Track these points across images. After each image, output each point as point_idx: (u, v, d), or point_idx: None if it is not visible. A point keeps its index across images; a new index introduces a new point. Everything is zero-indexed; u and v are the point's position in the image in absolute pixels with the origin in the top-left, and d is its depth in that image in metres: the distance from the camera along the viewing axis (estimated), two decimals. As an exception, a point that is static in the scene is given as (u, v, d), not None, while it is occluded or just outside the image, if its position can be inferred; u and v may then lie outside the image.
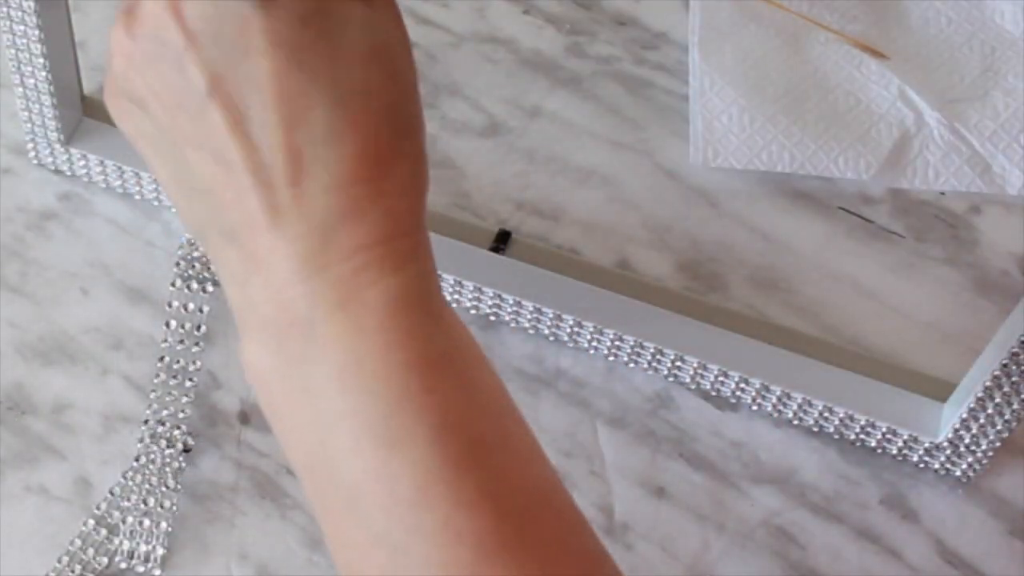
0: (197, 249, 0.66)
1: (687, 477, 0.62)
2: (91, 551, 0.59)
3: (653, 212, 0.70)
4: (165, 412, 0.62)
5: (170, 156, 0.46)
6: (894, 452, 0.63)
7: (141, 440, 0.61)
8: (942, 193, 0.71)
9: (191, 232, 0.47)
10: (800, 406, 0.62)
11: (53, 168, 0.70)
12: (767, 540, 0.61)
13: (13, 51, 0.64)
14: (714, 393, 0.64)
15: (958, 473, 0.62)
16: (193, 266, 0.65)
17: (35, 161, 0.70)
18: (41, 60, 0.64)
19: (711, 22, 0.76)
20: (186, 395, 0.62)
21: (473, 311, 0.66)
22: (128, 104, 0.46)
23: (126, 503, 0.60)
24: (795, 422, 0.63)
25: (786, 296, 0.68)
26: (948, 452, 0.61)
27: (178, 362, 0.62)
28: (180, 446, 0.61)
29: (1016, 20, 0.76)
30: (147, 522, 0.59)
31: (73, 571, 0.59)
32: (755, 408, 0.64)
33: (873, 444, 0.63)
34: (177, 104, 0.44)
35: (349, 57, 0.43)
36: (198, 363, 0.63)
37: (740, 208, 0.70)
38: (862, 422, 0.61)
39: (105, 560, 0.59)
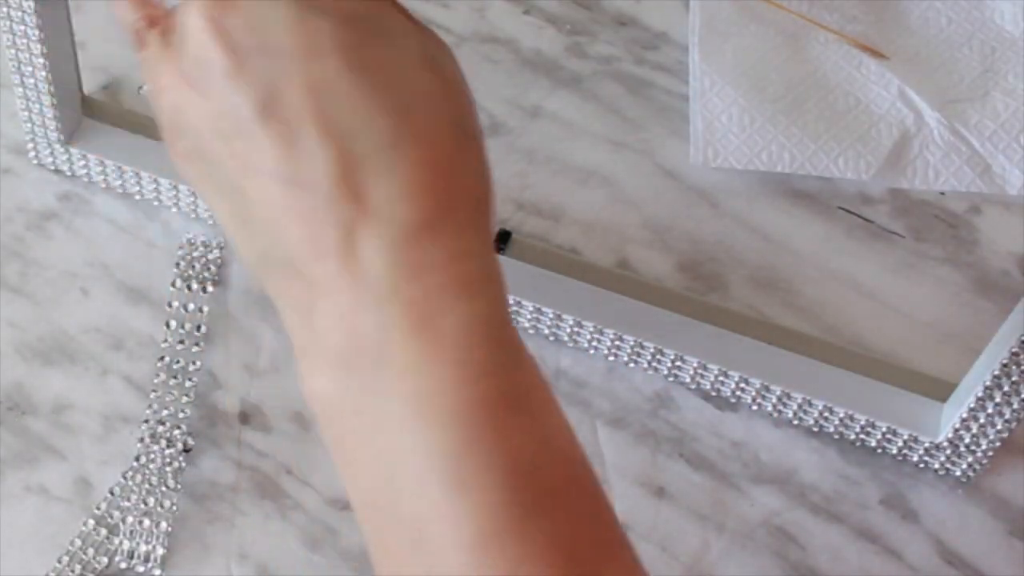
0: (197, 249, 0.66)
1: (687, 477, 0.62)
2: (91, 551, 0.59)
3: (653, 212, 0.70)
4: (165, 412, 0.62)
5: (227, 189, 0.43)
6: (894, 452, 0.63)
7: (141, 440, 0.61)
8: (942, 193, 0.71)
9: (249, 267, 0.44)
10: (800, 406, 0.62)
11: (53, 168, 0.70)
12: (767, 540, 0.61)
13: (13, 51, 0.64)
14: (714, 393, 0.64)
15: (958, 473, 0.62)
16: (193, 266, 0.65)
17: (35, 161, 0.70)
18: (41, 60, 0.63)
19: (711, 22, 0.76)
20: (186, 395, 0.62)
21: (473, 311, 0.66)
22: (181, 143, 0.44)
23: (126, 503, 0.60)
24: (795, 422, 0.63)
25: (786, 296, 0.68)
26: (948, 452, 0.61)
27: (178, 362, 0.62)
28: (180, 446, 0.61)
29: (1016, 20, 0.76)
30: (147, 522, 0.59)
31: (73, 571, 0.59)
32: (755, 408, 0.64)
33: (873, 444, 0.63)
34: (228, 130, 0.41)
35: (405, 61, 0.40)
36: (198, 363, 0.63)
37: (740, 208, 0.70)
38: (862, 422, 0.61)
39: (105, 560, 0.59)
